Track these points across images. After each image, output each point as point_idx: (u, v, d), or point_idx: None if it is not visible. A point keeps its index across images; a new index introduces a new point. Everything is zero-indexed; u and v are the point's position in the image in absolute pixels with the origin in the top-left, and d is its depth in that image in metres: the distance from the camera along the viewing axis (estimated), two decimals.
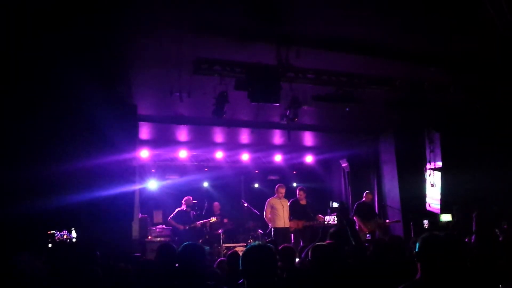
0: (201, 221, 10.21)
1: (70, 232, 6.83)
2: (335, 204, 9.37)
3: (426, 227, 9.29)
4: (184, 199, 10.24)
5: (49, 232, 6.66)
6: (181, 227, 9.78)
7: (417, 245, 2.50)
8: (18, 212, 5.82)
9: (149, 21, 5.10)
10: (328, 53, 5.97)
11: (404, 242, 5.05)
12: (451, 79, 7.03)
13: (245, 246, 5.61)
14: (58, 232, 6.71)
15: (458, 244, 2.46)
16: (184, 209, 10.03)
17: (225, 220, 11.41)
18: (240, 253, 2.87)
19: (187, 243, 3.24)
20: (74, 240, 6.85)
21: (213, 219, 10.44)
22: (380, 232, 9.63)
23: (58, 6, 4.53)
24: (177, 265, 3.14)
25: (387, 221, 10.20)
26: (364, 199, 9.93)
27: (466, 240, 4.88)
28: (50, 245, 6.64)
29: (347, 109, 6.79)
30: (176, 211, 10.06)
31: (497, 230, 7.60)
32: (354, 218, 9.68)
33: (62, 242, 6.68)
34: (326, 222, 9.57)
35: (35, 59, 5.54)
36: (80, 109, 6.69)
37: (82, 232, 6.88)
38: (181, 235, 9.70)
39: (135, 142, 8.24)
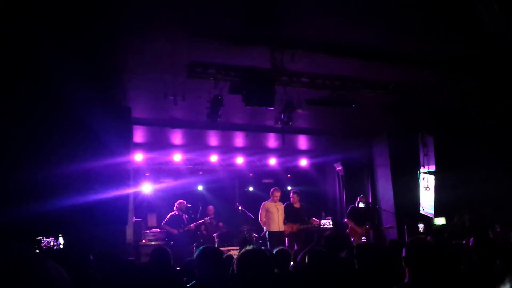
0: (195, 223, 10.14)
1: (57, 238, 6.64)
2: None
3: (422, 231, 9.30)
4: (177, 203, 10.11)
5: (37, 238, 6.51)
6: (175, 231, 9.67)
7: (404, 249, 2.50)
8: (7, 217, 5.75)
9: (144, 24, 5.09)
10: (322, 57, 5.98)
11: (401, 246, 5.05)
12: (445, 82, 7.06)
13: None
14: (45, 239, 6.53)
15: (447, 248, 2.46)
16: (177, 213, 9.91)
17: (220, 224, 11.37)
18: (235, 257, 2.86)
19: (204, 246, 3.32)
20: (61, 246, 6.69)
21: (207, 219, 10.39)
22: (375, 235, 9.63)
23: (54, 8, 4.51)
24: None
25: (383, 227, 10.23)
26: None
27: (464, 242, 4.88)
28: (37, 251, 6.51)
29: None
30: (168, 216, 9.93)
31: (490, 233, 7.65)
32: (347, 221, 9.72)
33: (49, 249, 6.52)
34: (322, 226, 9.58)
35: (28, 60, 5.51)
36: (74, 111, 6.65)
37: (74, 236, 6.77)
38: (176, 239, 9.63)
39: (129, 145, 8.19)
